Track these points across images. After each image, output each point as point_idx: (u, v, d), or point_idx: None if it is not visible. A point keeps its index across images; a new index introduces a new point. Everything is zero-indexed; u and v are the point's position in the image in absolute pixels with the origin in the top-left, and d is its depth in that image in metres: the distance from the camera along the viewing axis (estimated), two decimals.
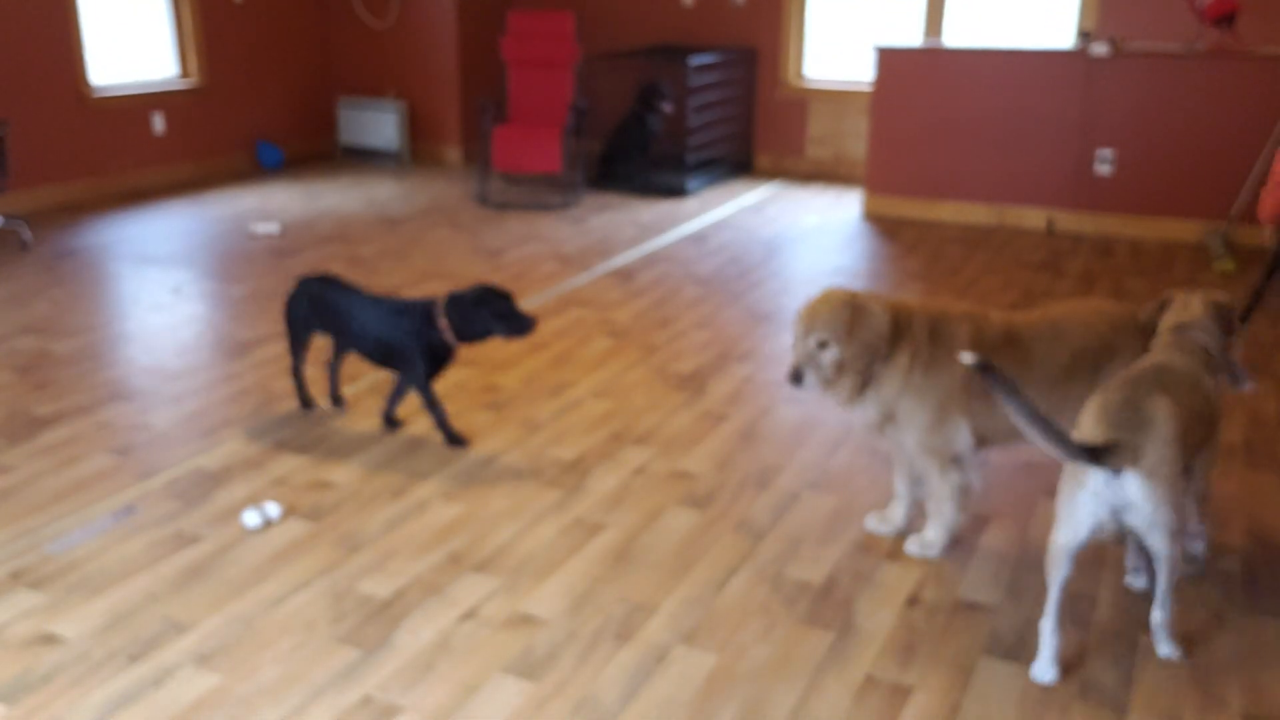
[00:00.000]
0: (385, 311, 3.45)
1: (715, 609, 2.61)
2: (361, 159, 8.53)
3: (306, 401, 3.75)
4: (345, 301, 3.52)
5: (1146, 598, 2.66)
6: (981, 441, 2.76)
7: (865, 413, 2.76)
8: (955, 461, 2.74)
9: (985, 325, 2.72)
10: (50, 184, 6.79)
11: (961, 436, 2.72)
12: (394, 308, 3.46)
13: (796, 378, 2.66)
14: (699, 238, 6.16)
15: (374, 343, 3.47)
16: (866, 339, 2.64)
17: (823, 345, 2.64)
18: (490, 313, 3.33)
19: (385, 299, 3.51)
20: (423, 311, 3.40)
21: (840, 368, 2.66)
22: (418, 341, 3.39)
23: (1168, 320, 2.68)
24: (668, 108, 7.61)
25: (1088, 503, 2.27)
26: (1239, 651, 2.46)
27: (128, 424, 3.63)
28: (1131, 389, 2.34)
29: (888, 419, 2.75)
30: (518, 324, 3.34)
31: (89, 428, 3.60)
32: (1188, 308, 2.70)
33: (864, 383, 2.69)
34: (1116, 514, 2.27)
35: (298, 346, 3.68)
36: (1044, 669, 2.36)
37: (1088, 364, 2.73)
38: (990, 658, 2.43)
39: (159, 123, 7.38)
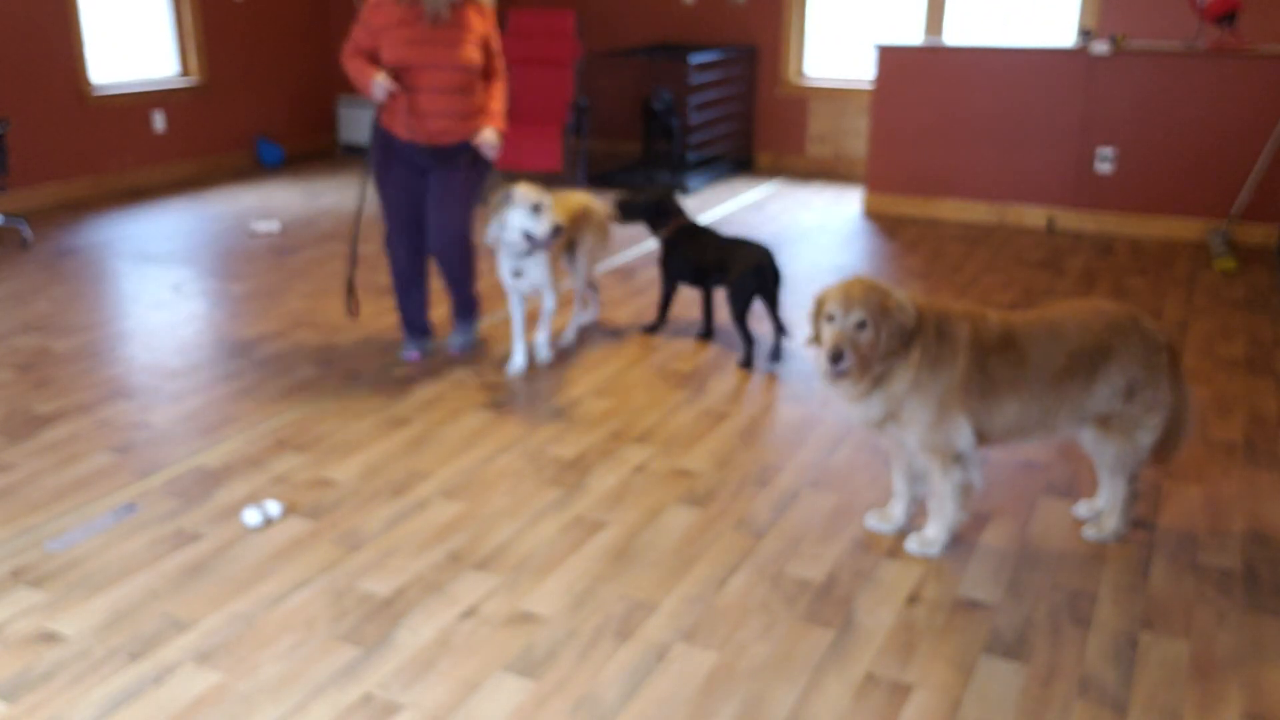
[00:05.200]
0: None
1: (715, 607, 2.62)
2: (362, 157, 8.52)
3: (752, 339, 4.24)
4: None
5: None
6: (981, 439, 2.77)
7: (869, 410, 2.75)
8: (957, 459, 2.74)
9: (983, 325, 2.72)
10: (51, 182, 6.79)
11: (964, 434, 2.72)
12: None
13: (837, 357, 2.59)
14: None
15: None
16: (894, 327, 2.64)
17: (861, 326, 2.61)
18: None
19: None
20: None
21: (870, 352, 2.63)
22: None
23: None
24: (659, 106, 7.70)
25: None
26: (1239, 650, 2.46)
27: (128, 422, 3.63)
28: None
29: (891, 417, 2.74)
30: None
31: (89, 426, 3.60)
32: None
33: (880, 375, 2.68)
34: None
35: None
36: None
37: (1084, 365, 2.73)
38: (990, 656, 2.43)
39: (159, 121, 7.39)
